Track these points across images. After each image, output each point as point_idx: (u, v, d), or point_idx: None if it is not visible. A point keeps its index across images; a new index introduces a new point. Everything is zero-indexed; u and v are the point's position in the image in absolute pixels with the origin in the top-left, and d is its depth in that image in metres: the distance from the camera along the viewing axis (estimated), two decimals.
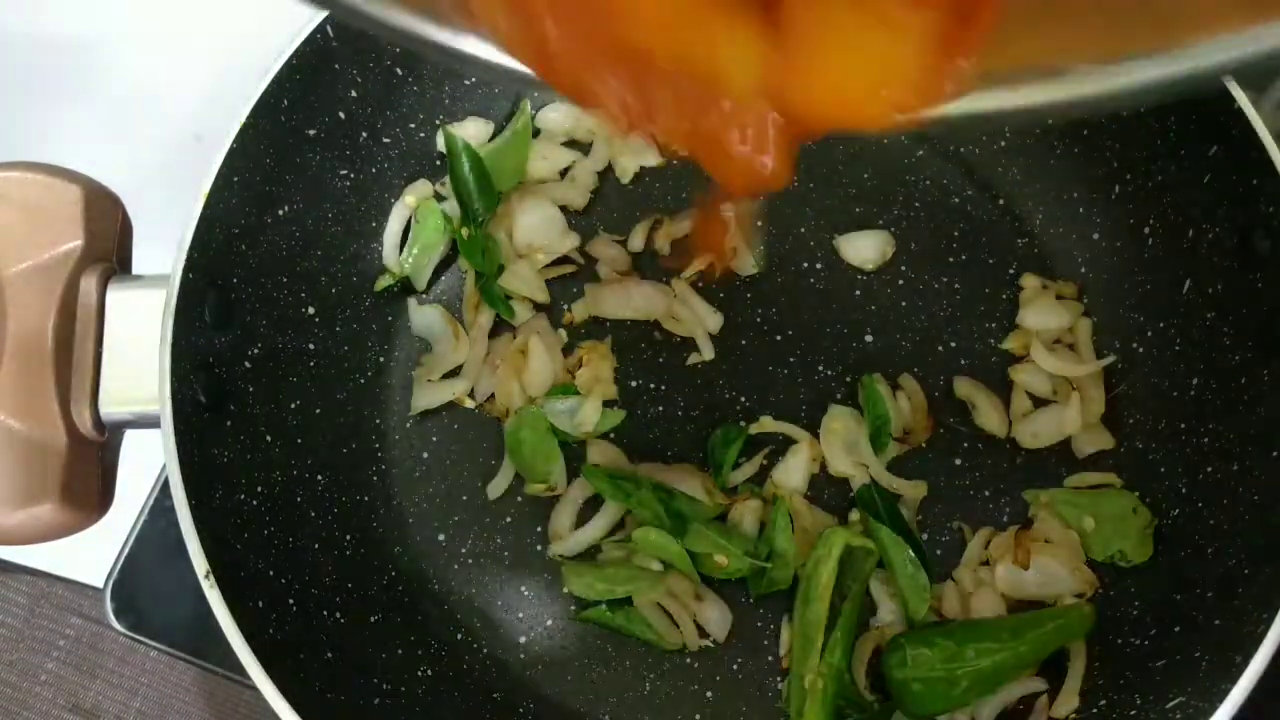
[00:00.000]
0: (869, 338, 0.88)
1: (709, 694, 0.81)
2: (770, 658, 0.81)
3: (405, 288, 0.90)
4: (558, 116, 0.93)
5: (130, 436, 0.73)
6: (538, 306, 0.90)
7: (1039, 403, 0.85)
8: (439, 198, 0.91)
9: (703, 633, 0.81)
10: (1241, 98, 0.73)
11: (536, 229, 0.89)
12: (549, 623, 0.83)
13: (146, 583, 0.91)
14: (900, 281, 0.90)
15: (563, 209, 0.91)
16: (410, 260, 0.89)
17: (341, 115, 0.83)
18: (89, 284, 0.71)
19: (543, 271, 0.90)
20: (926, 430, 0.85)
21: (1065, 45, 0.39)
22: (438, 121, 0.90)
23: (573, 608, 0.83)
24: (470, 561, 0.85)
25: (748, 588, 0.82)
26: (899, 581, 0.79)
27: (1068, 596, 0.79)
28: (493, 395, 0.87)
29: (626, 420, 0.86)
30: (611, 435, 0.86)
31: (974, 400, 0.86)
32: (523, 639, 0.83)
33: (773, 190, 0.44)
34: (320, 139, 0.82)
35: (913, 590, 0.78)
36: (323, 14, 0.78)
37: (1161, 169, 0.81)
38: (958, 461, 0.85)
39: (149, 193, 0.78)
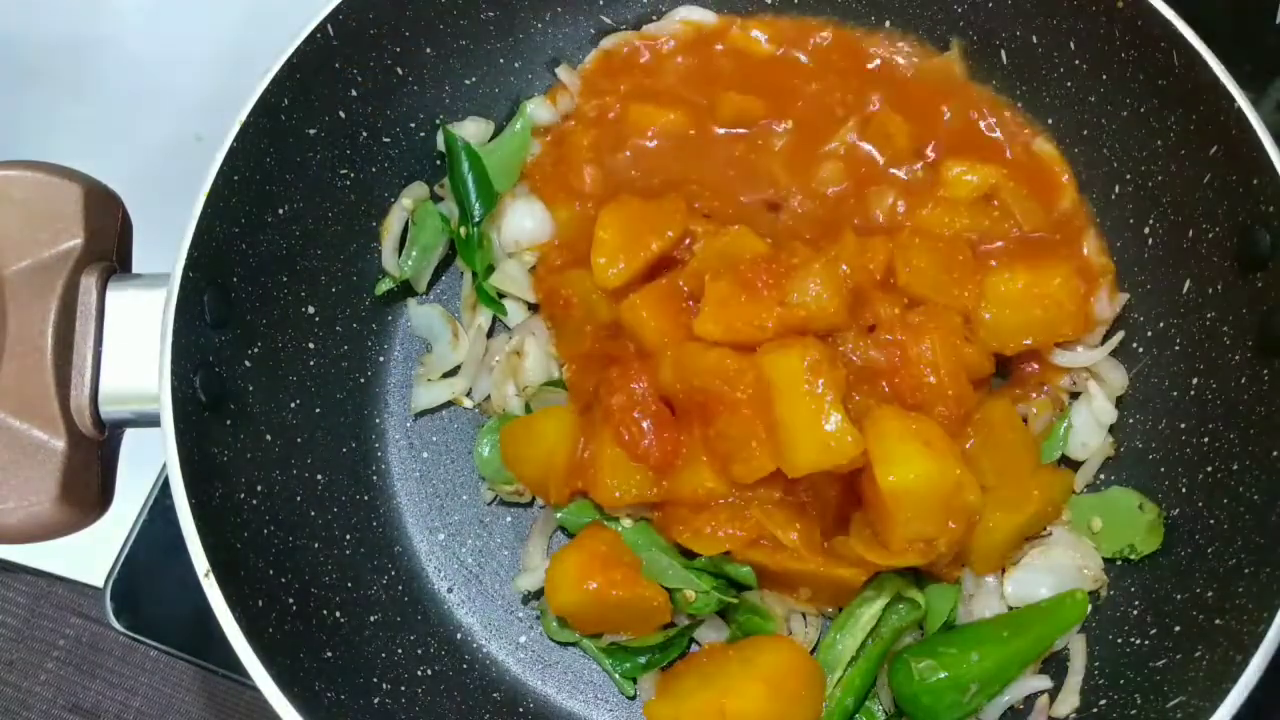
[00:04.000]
0: None
1: None
2: None
3: (405, 288, 0.90)
4: (542, 111, 0.92)
5: (130, 436, 0.73)
6: (531, 307, 0.89)
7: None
8: (436, 198, 0.91)
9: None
10: (1241, 98, 0.73)
11: (523, 228, 0.88)
12: None
13: (146, 583, 0.91)
14: None
15: None
16: (410, 263, 0.88)
17: (341, 115, 0.83)
18: (89, 283, 0.71)
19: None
20: None
21: None
22: (438, 121, 0.90)
23: None
24: (470, 561, 0.85)
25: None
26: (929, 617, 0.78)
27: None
28: (490, 395, 0.87)
29: None
30: None
31: None
32: (523, 639, 0.83)
33: None
34: (320, 139, 0.82)
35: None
36: (323, 13, 0.78)
37: (1161, 169, 0.81)
38: None
39: (149, 192, 0.78)
